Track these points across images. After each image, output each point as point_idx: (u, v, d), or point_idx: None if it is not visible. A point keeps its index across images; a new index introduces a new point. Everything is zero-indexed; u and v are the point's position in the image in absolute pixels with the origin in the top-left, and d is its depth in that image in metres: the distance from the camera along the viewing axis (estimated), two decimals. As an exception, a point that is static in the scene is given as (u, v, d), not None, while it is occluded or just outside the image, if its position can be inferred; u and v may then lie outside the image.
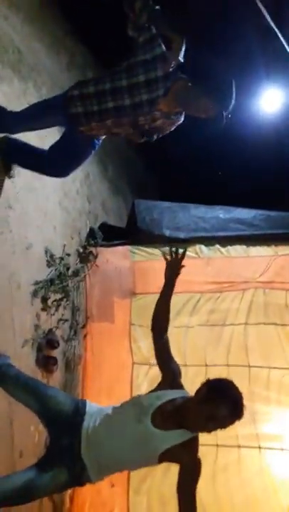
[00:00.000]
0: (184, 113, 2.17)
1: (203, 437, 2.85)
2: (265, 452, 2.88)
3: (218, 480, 2.90)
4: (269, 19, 2.30)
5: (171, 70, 2.00)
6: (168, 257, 2.14)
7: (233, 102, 2.01)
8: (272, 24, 2.35)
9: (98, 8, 4.29)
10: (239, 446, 2.90)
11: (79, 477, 1.81)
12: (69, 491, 3.15)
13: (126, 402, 1.89)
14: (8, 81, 3.13)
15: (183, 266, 2.12)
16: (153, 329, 2.08)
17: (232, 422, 1.68)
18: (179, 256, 2.14)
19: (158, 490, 2.99)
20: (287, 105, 3.38)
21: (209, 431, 1.71)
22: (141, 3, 1.93)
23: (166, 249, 3.42)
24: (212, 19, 2.32)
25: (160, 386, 1.89)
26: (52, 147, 2.46)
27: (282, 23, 2.37)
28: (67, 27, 4.76)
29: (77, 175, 4.17)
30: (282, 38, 2.44)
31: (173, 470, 2.93)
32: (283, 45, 2.46)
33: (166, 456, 1.76)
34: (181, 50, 2.00)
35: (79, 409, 1.88)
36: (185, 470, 1.73)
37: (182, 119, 2.21)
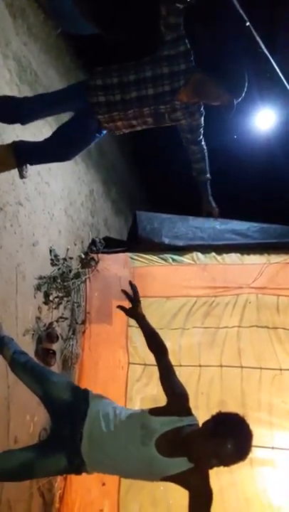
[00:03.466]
0: (202, 105, 2.34)
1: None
2: (256, 450, 2.91)
3: (210, 478, 2.90)
4: (261, 44, 2.61)
5: (192, 64, 2.18)
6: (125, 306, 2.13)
7: (244, 91, 2.22)
8: (264, 49, 2.66)
9: (112, 47, 4.70)
10: (230, 445, 2.93)
11: (77, 468, 1.85)
12: (59, 491, 3.15)
13: (134, 416, 1.82)
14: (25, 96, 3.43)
15: (139, 302, 2.12)
16: (151, 350, 1.97)
17: (236, 462, 1.63)
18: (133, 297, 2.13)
19: (149, 489, 2.99)
20: (279, 124, 3.69)
21: (211, 467, 1.67)
22: (175, 7, 2.07)
23: (165, 255, 3.63)
24: (207, 42, 2.61)
25: (168, 411, 1.79)
26: (60, 130, 2.53)
27: (273, 47, 2.68)
28: (79, 61, 5.19)
29: (82, 189, 4.43)
30: (273, 62, 2.75)
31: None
32: (275, 68, 2.77)
33: (168, 479, 1.74)
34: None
35: (81, 401, 1.90)
36: (195, 496, 1.66)
37: (202, 109, 2.35)
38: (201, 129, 2.44)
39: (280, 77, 3.00)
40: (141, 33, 4.28)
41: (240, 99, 2.22)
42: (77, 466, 1.83)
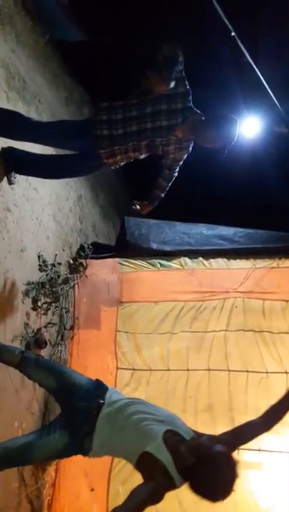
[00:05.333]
0: (192, 143, 2.53)
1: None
2: (244, 453, 2.94)
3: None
4: (246, 53, 2.67)
5: (189, 104, 2.39)
6: None
7: (235, 138, 2.43)
8: (248, 58, 2.73)
9: (97, 50, 4.75)
10: (218, 448, 2.96)
11: (80, 443, 1.82)
12: (47, 498, 3.14)
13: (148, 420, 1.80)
14: (13, 102, 3.45)
15: None
16: None
17: (215, 501, 1.63)
18: None
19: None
20: (263, 131, 3.78)
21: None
22: (167, 72, 2.22)
23: (153, 261, 3.67)
24: (193, 53, 2.68)
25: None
26: (59, 159, 2.72)
27: (257, 57, 2.75)
28: (66, 68, 5.22)
29: (71, 195, 4.44)
30: (257, 71, 2.82)
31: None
32: (259, 77, 2.84)
33: (142, 460, 1.69)
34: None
35: (101, 387, 1.96)
36: (148, 483, 1.64)
37: (190, 148, 2.56)
38: (181, 162, 2.64)
39: (264, 85, 3.07)
40: (127, 40, 4.34)
41: (230, 145, 2.43)
42: (80, 440, 1.81)
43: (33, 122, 2.64)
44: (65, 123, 2.78)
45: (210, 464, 1.62)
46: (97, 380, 2.06)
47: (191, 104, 2.40)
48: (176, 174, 2.69)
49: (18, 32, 3.91)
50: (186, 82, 2.35)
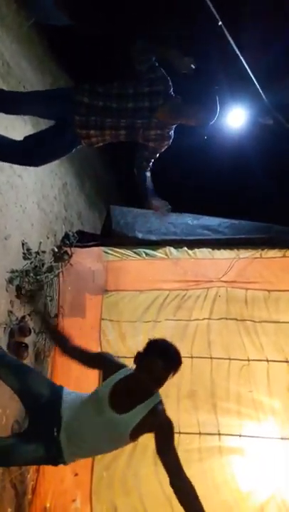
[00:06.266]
0: (173, 133, 2.54)
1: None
2: (225, 438, 3.02)
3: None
4: (232, 43, 2.67)
5: (169, 88, 2.43)
6: None
7: (217, 114, 2.46)
8: (235, 48, 2.73)
9: (83, 36, 4.68)
10: (200, 433, 3.03)
11: (54, 458, 1.93)
12: (31, 482, 3.17)
13: (91, 395, 1.96)
14: (-3, 88, 3.39)
15: None
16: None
17: (169, 372, 1.84)
18: None
19: (121, 479, 3.05)
20: (249, 122, 3.80)
21: (156, 387, 1.86)
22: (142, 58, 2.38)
23: (139, 250, 3.68)
24: (181, 44, 2.68)
25: (106, 375, 1.95)
26: (32, 137, 2.62)
27: (243, 47, 2.76)
28: (51, 53, 5.14)
29: (56, 182, 4.41)
30: (243, 61, 2.82)
31: (136, 458, 3.05)
32: (245, 68, 2.84)
33: (136, 433, 1.86)
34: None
35: (56, 396, 1.97)
36: (159, 435, 1.83)
37: (172, 136, 2.56)
38: (157, 155, 2.64)
39: (250, 76, 3.08)
40: (114, 27, 4.29)
41: (213, 121, 2.47)
42: (54, 457, 1.91)
43: (12, 91, 2.74)
44: (47, 90, 2.77)
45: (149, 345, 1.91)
46: (55, 389, 2.04)
47: (171, 89, 2.45)
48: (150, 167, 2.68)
49: (2, 15, 3.83)
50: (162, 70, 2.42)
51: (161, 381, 1.85)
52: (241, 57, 2.83)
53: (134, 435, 1.87)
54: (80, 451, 1.97)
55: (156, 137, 2.51)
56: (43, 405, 1.94)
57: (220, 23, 2.80)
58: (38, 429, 1.93)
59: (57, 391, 2.00)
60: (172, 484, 1.79)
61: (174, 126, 2.55)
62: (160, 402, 1.90)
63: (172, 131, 2.56)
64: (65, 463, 1.94)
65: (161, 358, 1.82)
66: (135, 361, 1.90)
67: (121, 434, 1.87)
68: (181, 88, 2.45)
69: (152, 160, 2.65)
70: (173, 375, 1.86)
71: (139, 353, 1.90)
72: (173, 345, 1.89)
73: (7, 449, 1.89)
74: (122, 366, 1.95)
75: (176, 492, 1.79)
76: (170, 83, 2.44)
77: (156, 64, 2.42)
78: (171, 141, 2.58)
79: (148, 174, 2.68)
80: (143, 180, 2.67)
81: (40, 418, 1.94)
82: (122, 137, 2.53)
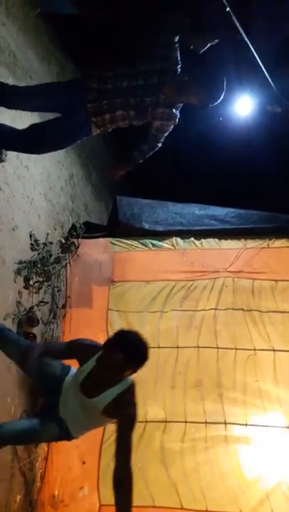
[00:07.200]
0: (178, 113, 2.56)
1: (172, 414, 3.03)
2: (231, 427, 3.04)
3: (187, 455, 3.03)
4: (242, 31, 2.63)
5: (179, 69, 2.48)
6: None
7: (221, 97, 2.48)
8: (244, 36, 2.69)
9: (90, 25, 4.64)
10: (206, 422, 3.06)
11: (66, 435, 2.08)
12: (40, 470, 3.23)
13: (74, 377, 2.08)
14: (3, 79, 3.38)
15: None
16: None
17: (130, 367, 1.88)
18: None
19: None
20: (257, 110, 3.77)
21: (116, 377, 1.93)
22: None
23: (145, 241, 3.69)
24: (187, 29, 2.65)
25: (83, 361, 2.04)
26: (38, 126, 2.66)
27: (252, 35, 2.72)
28: (58, 43, 5.10)
29: (62, 173, 4.41)
30: (252, 48, 2.78)
31: (142, 446, 3.08)
32: (254, 56, 2.80)
33: (109, 412, 1.98)
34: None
35: (63, 375, 2.13)
36: (119, 424, 1.94)
37: (177, 116, 2.58)
38: (162, 140, 2.65)
39: (258, 63, 3.04)
40: (119, 15, 4.24)
41: (217, 102, 2.50)
42: (65, 433, 2.07)
43: (18, 86, 2.69)
44: (54, 82, 2.80)
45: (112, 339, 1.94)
46: (64, 368, 2.18)
47: (180, 70, 2.49)
48: (159, 145, 2.69)
49: (8, 5, 3.80)
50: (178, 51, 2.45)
51: (120, 373, 1.91)
52: (250, 44, 2.79)
53: (108, 414, 1.99)
54: (81, 427, 2.11)
55: (162, 115, 2.53)
56: (52, 387, 2.11)
57: (228, 9, 2.76)
58: (48, 408, 2.11)
59: (64, 372, 2.14)
60: (114, 474, 1.87)
61: (180, 105, 2.57)
62: (128, 390, 1.96)
63: (178, 111, 2.57)
64: (75, 436, 2.11)
65: (123, 353, 1.85)
66: (103, 347, 1.94)
67: (94, 414, 2.02)
68: (192, 71, 2.49)
69: (160, 139, 2.65)
70: (135, 370, 1.91)
71: (108, 340, 1.95)
72: (142, 342, 1.90)
73: (31, 428, 2.02)
74: (97, 350, 1.99)
75: (114, 482, 1.87)
76: (180, 65, 2.48)
77: (176, 43, 2.43)
78: (176, 120, 2.58)
79: (146, 147, 2.69)
80: (139, 149, 2.71)
81: (49, 398, 2.12)
82: (132, 117, 2.55)
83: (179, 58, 2.48)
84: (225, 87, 2.49)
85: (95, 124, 2.56)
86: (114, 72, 2.46)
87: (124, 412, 1.94)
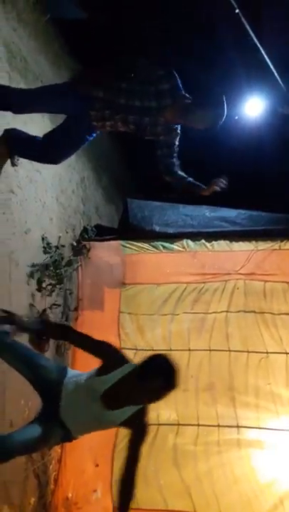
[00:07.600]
0: (179, 126, 2.53)
1: (185, 417, 3.02)
2: (244, 431, 3.02)
3: (200, 459, 3.03)
4: (251, 33, 2.63)
5: (177, 86, 2.41)
6: None
7: (224, 116, 2.42)
8: (253, 37, 2.69)
9: (98, 29, 4.67)
10: (219, 426, 3.05)
11: (67, 436, 2.09)
12: (54, 473, 3.24)
13: (86, 382, 2.04)
14: (15, 83, 3.42)
15: None
16: None
17: (166, 393, 1.91)
18: None
19: (141, 470, 3.07)
20: (267, 111, 3.75)
21: (149, 402, 1.98)
22: None
23: (156, 243, 3.69)
24: (198, 33, 2.66)
25: (108, 367, 1.98)
26: (52, 136, 2.69)
27: (262, 36, 2.71)
28: (68, 48, 5.14)
29: (73, 176, 4.44)
30: (262, 50, 2.78)
31: (155, 450, 3.08)
32: (264, 57, 2.80)
33: (122, 425, 2.04)
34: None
35: (61, 378, 2.10)
36: (134, 434, 1.99)
37: (179, 131, 2.55)
38: (176, 147, 2.60)
39: (268, 64, 3.03)
40: (128, 19, 4.26)
41: (219, 124, 2.44)
42: (66, 435, 2.08)
43: (24, 89, 2.75)
44: (59, 84, 2.79)
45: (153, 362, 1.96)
46: (61, 370, 2.17)
47: (180, 86, 2.42)
48: (177, 160, 2.64)
49: (19, 11, 3.84)
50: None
51: (156, 400, 1.94)
52: (259, 46, 2.79)
53: (123, 425, 2.04)
54: (85, 431, 2.14)
55: (162, 131, 2.52)
56: (50, 392, 2.09)
57: (237, 10, 2.75)
58: (47, 414, 2.08)
59: (61, 376, 2.11)
60: (122, 472, 2.01)
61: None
62: (144, 408, 2.02)
63: (178, 125, 2.54)
64: (75, 437, 2.13)
65: (165, 381, 1.89)
66: (141, 368, 1.92)
67: (108, 424, 2.08)
68: (190, 87, 2.43)
69: (173, 153, 2.62)
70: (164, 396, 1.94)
71: (148, 362, 1.93)
72: (175, 369, 1.92)
73: (33, 437, 2.00)
74: (125, 362, 1.99)
75: (120, 479, 2.02)
76: (178, 81, 2.41)
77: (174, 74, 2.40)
78: (179, 129, 2.55)
79: (178, 169, 2.64)
80: (180, 178, 2.64)
81: (48, 404, 2.10)
82: (131, 130, 2.55)
83: (172, 73, 2.41)
84: (226, 108, 2.42)
85: (95, 127, 2.58)
86: (116, 84, 2.44)
87: (139, 427, 1.99)
